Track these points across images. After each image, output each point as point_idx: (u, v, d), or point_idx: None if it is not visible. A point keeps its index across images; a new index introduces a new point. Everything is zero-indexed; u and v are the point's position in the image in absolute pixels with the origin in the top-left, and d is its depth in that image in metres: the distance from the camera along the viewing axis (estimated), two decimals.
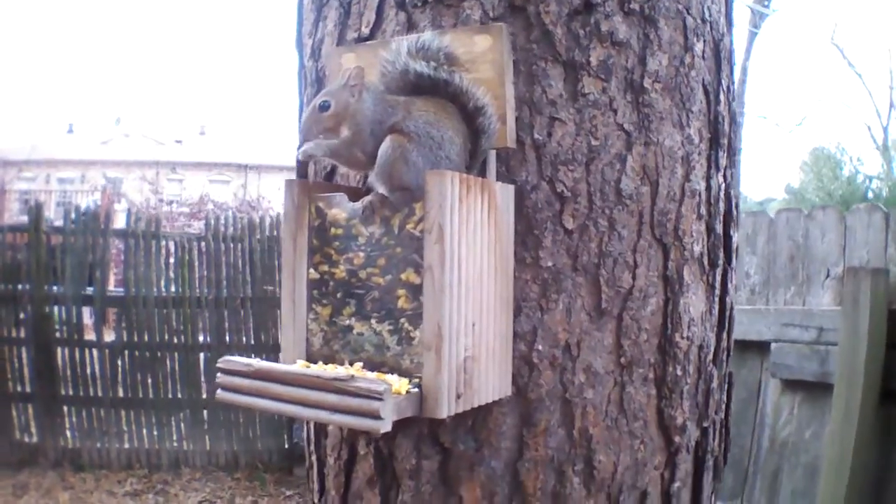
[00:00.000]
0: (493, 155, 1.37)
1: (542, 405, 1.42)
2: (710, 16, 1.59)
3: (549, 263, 1.42)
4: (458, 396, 1.22)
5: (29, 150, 25.36)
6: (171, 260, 6.78)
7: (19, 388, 6.51)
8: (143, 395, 6.57)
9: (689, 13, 1.53)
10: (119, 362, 6.54)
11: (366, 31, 1.56)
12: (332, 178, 1.57)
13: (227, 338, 6.59)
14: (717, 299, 1.62)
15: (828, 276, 3.32)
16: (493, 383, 1.32)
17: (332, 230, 1.35)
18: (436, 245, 1.18)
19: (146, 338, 6.54)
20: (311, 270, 1.37)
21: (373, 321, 1.30)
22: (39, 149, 26.62)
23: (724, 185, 1.62)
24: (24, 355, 6.48)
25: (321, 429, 1.65)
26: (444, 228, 1.17)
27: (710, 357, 1.61)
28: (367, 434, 1.53)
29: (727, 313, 1.67)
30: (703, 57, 1.57)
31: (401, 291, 1.27)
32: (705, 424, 1.61)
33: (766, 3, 15.87)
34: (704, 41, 1.57)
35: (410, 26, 1.50)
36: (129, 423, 6.62)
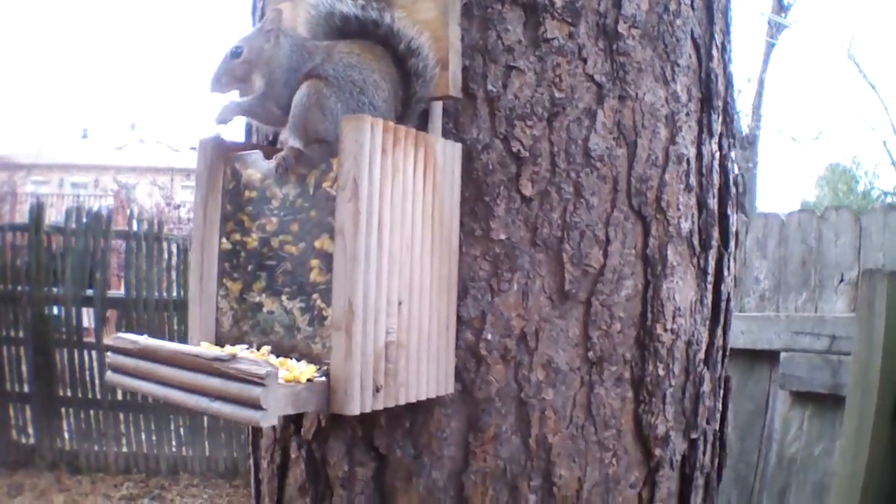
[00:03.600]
0: (438, 108, 1.16)
1: (491, 406, 1.20)
2: None
3: (503, 236, 1.20)
4: (377, 389, 1.01)
5: (41, 154, 25.40)
6: (175, 261, 6.65)
7: (17, 389, 6.40)
8: (142, 399, 6.40)
9: None
10: None
11: None
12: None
13: None
14: (709, 287, 1.39)
15: (841, 280, 3.08)
16: (428, 377, 1.11)
17: (247, 193, 1.16)
18: (349, 203, 0.97)
19: None
20: (224, 240, 1.18)
21: (283, 297, 1.09)
22: (53, 153, 26.58)
23: (718, 154, 1.40)
24: (23, 355, 6.38)
25: (257, 427, 1.45)
26: (361, 184, 0.97)
27: (701, 356, 1.38)
28: (298, 435, 1.33)
29: (722, 305, 1.43)
30: (693, 7, 1.35)
31: (314, 262, 1.07)
32: (694, 436, 1.37)
33: (783, 14, 15.56)
34: None
35: None
36: (128, 427, 6.47)
